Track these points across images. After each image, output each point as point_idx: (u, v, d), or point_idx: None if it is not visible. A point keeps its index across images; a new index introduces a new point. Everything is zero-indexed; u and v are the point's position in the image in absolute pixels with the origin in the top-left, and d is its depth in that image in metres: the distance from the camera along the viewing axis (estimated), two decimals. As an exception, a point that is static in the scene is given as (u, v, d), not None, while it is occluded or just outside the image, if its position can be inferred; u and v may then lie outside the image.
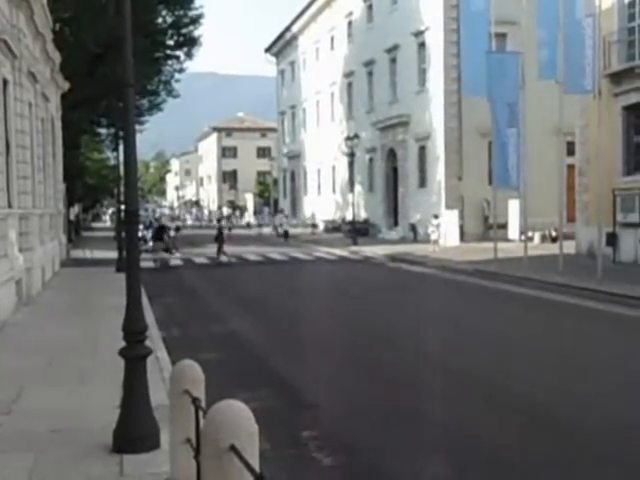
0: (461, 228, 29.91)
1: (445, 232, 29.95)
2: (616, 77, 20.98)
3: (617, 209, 20.39)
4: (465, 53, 23.96)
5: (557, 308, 14.52)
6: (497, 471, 5.74)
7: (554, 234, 26.18)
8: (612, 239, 20.21)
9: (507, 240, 26.82)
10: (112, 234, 33.36)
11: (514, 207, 27.15)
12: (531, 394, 7.94)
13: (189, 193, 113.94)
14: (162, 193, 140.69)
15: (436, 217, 28.45)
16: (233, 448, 3.10)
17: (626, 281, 16.49)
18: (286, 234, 38.72)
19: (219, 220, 35.98)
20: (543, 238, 27.74)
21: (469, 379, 8.77)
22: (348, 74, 43.11)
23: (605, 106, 19.54)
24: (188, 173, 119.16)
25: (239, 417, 3.24)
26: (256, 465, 3.02)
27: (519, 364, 9.43)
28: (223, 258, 25.67)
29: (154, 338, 9.74)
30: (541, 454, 6.05)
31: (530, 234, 24.31)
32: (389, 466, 5.84)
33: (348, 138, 36.10)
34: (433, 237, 27.22)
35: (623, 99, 20.97)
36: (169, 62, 33.45)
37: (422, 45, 33.41)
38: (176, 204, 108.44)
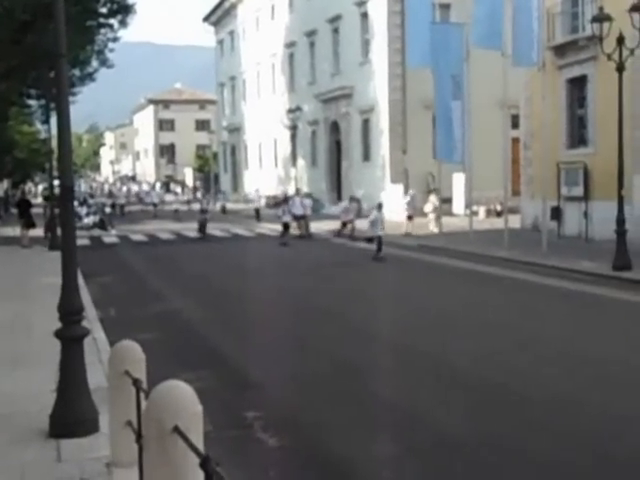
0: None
1: (390, 207, 29.77)
2: (560, 49, 20.98)
3: (561, 183, 20.52)
4: (410, 24, 23.61)
5: (503, 283, 14.60)
6: (444, 450, 5.68)
7: (499, 208, 26.29)
8: (557, 213, 20.35)
9: (452, 214, 26.85)
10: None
11: (459, 181, 27.15)
12: (477, 369, 7.96)
13: (125, 168, 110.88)
14: (96, 168, 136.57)
15: (434, 191, 24.91)
16: (177, 429, 3.05)
17: (570, 255, 16.67)
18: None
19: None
20: (488, 212, 27.84)
21: (415, 356, 8.73)
22: (289, 45, 42.22)
23: (549, 79, 19.52)
24: (124, 147, 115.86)
25: (182, 397, 3.20)
26: (201, 446, 2.94)
27: (464, 340, 9.41)
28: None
29: (91, 318, 9.58)
30: (489, 432, 6.01)
31: (475, 208, 24.34)
32: (335, 446, 5.80)
33: (290, 110, 35.52)
34: (431, 216, 24.13)
35: (567, 72, 21.00)
36: (102, 31, 31.86)
37: (365, 15, 32.88)
38: (111, 179, 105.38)
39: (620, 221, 14.65)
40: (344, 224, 24.08)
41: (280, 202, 36.84)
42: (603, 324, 10.55)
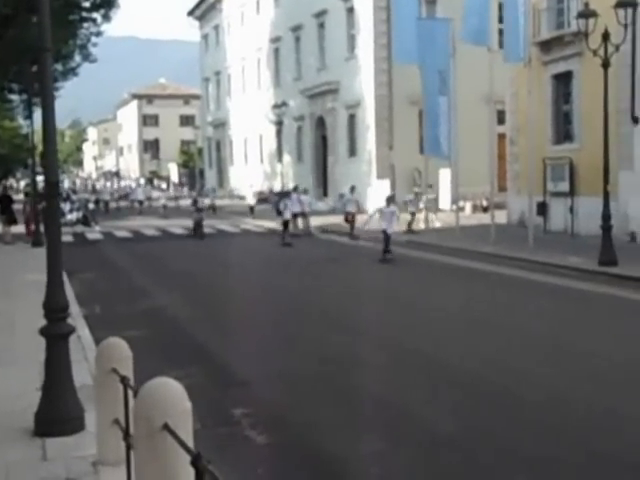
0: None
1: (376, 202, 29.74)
2: (546, 45, 21.01)
3: (547, 178, 20.58)
4: (396, 19, 23.57)
5: (489, 279, 14.59)
6: (434, 445, 5.63)
7: (485, 204, 26.31)
8: (543, 208, 20.40)
9: (438, 210, 26.84)
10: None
11: (445, 176, 27.13)
12: (466, 366, 7.91)
13: (108, 163, 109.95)
14: (79, 163, 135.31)
15: (428, 187, 23.58)
16: (166, 427, 3.03)
17: (557, 250, 16.71)
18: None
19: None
20: (474, 208, 27.87)
21: (404, 352, 8.67)
22: (275, 39, 42.01)
23: (535, 74, 19.56)
24: (107, 142, 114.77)
25: (172, 395, 3.19)
26: (190, 444, 2.93)
27: (453, 336, 9.39)
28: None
29: (75, 315, 9.40)
30: (479, 428, 5.97)
31: (461, 204, 24.34)
32: (324, 443, 5.75)
33: (275, 106, 35.37)
34: (425, 213, 23.06)
35: (552, 67, 21.04)
36: (85, 25, 31.51)
37: (351, 10, 32.77)
38: (94, 175, 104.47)
39: (606, 217, 14.69)
40: (351, 216, 22.34)
41: (265, 198, 36.61)
42: (590, 320, 10.55)
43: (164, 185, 70.49)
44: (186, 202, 40.54)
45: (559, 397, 6.76)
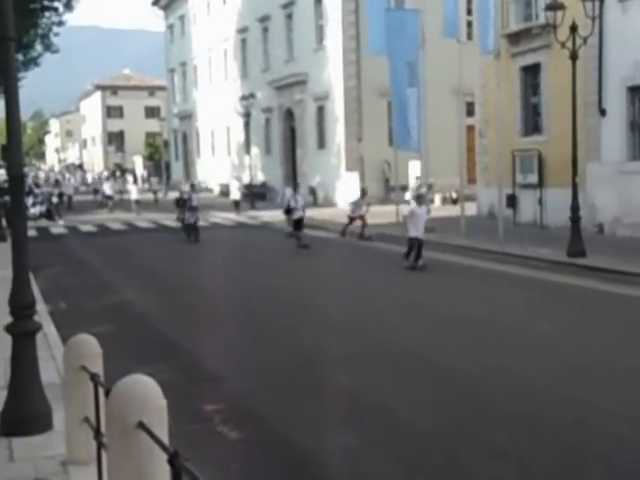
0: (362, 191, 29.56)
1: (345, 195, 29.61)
2: (514, 37, 21.08)
3: (516, 170, 20.69)
4: (368, 10, 23.45)
5: (460, 271, 14.62)
6: (410, 442, 5.60)
7: (455, 196, 26.39)
8: (512, 200, 20.52)
9: (408, 202, 26.83)
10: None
11: (415, 168, 27.11)
12: (439, 360, 7.89)
13: (71, 156, 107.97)
14: (41, 156, 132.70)
15: (416, 179, 22.74)
16: (142, 425, 2.98)
17: (526, 242, 16.82)
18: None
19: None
20: (444, 200, 27.95)
21: (378, 346, 8.61)
22: (242, 30, 41.55)
23: (503, 67, 19.62)
24: (70, 134, 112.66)
25: (146, 392, 3.14)
26: (166, 442, 2.88)
27: (425, 329, 9.38)
28: None
29: (40, 312, 9.08)
30: (454, 422, 5.95)
31: (431, 196, 24.29)
32: (298, 439, 5.71)
33: (243, 97, 34.96)
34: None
35: (521, 59, 21.13)
36: (46, 14, 30.75)
37: (319, 1, 32.52)
38: (57, 168, 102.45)
39: (574, 208, 14.81)
40: (351, 220, 20.66)
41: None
42: (560, 311, 10.58)
43: (130, 177, 69.15)
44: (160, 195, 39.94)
45: (534, 389, 6.77)
